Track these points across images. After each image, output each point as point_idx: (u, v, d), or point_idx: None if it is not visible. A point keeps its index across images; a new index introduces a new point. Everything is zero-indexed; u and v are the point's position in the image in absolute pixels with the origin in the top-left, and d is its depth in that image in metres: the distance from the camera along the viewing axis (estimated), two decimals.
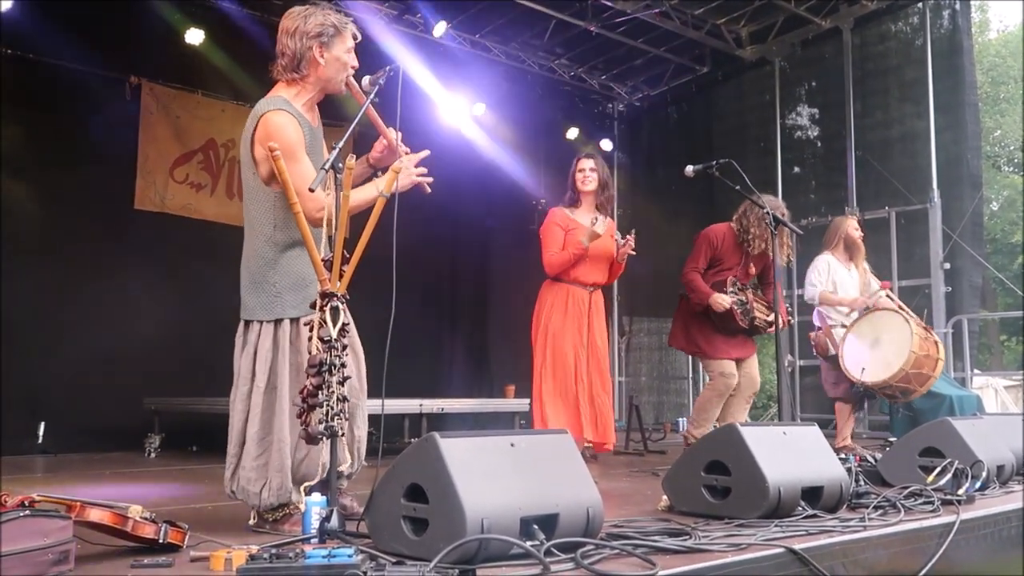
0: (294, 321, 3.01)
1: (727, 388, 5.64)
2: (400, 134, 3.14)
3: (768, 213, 5.02)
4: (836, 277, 6.26)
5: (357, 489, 3.24)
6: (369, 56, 3.30)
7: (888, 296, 6.38)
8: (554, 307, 5.42)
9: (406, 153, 3.12)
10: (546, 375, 5.37)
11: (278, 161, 2.76)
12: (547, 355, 5.39)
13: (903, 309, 6.05)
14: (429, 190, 3.11)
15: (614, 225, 5.68)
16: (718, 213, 5.95)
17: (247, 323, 3.07)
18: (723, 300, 5.49)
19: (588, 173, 5.53)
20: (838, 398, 6.23)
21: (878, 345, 5.80)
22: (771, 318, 5.56)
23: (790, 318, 5.85)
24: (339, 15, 3.16)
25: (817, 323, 6.38)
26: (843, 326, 6.15)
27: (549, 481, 2.50)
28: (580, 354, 5.38)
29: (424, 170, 3.03)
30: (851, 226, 6.40)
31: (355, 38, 3.19)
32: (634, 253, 5.38)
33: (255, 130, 3.05)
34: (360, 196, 2.97)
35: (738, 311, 5.48)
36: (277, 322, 3.01)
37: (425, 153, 3.14)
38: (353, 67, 3.15)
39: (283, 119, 3.00)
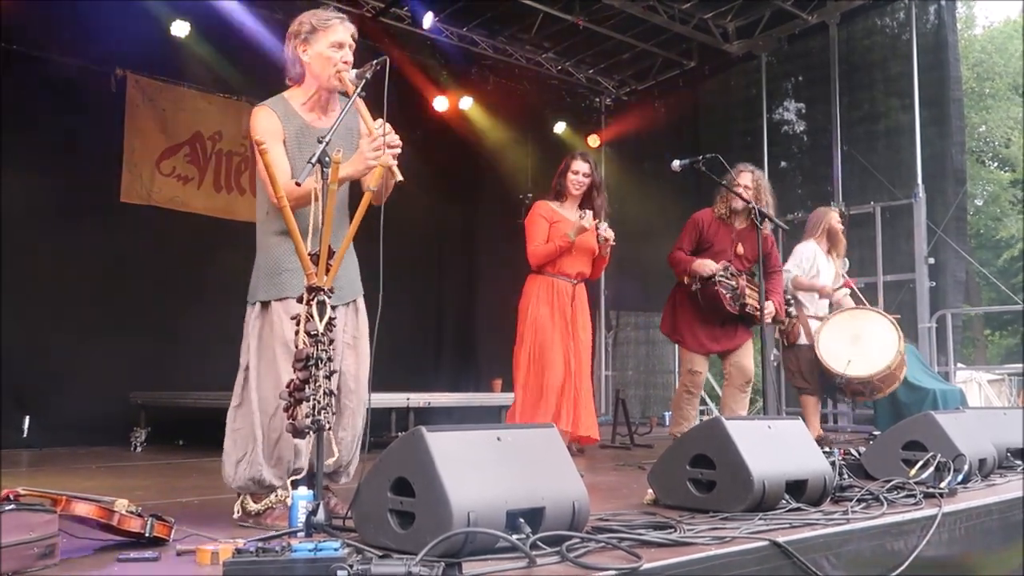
0: (265, 305, 3.11)
1: (694, 385, 5.67)
2: (387, 125, 3.11)
3: (755, 209, 5.05)
4: (819, 265, 6.31)
5: (344, 484, 3.25)
6: (356, 49, 3.29)
7: (855, 293, 6.44)
8: (540, 300, 5.39)
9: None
10: (532, 367, 5.33)
11: (265, 156, 2.78)
12: (533, 347, 5.35)
13: (879, 311, 6.15)
14: (400, 176, 2.99)
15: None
16: (705, 207, 5.94)
17: (250, 307, 3.20)
18: (707, 264, 5.43)
19: (582, 178, 5.44)
20: (802, 388, 6.26)
21: (859, 341, 5.86)
22: (766, 306, 5.52)
23: (789, 308, 5.82)
24: (325, 13, 3.22)
25: (794, 312, 6.42)
26: (815, 317, 6.21)
27: (535, 475, 2.51)
28: (568, 347, 5.37)
29: (380, 154, 2.94)
30: (834, 218, 6.45)
31: (347, 31, 3.20)
32: (613, 243, 5.35)
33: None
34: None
35: (726, 295, 5.42)
36: (261, 304, 3.12)
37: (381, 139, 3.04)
38: (345, 62, 3.16)
39: (259, 113, 3.17)
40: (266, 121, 3.13)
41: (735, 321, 5.60)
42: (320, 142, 2.83)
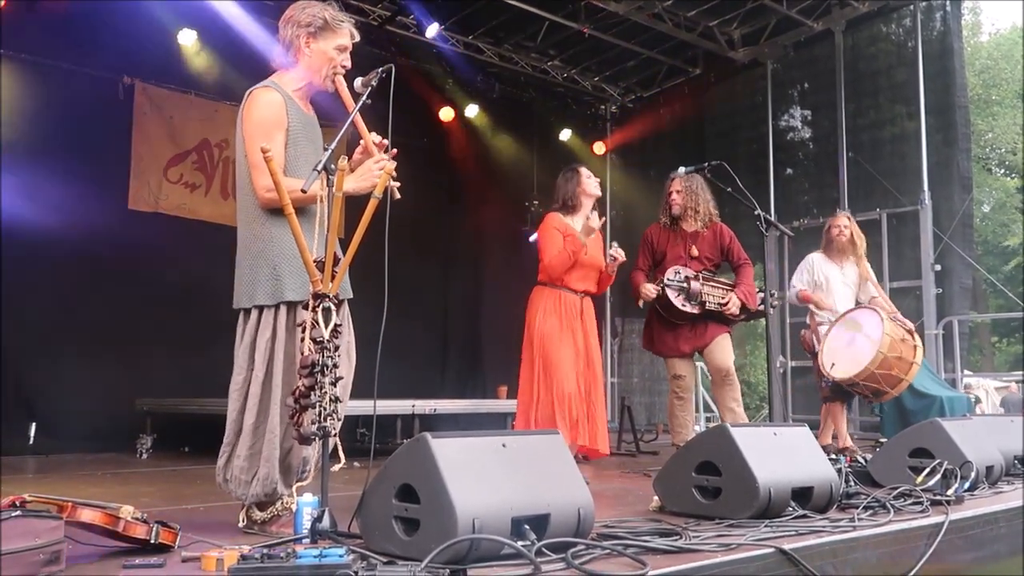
0: (292, 307, 2.99)
1: (681, 389, 5.65)
2: (382, 139, 3.11)
3: (761, 216, 5.03)
4: (823, 274, 6.27)
5: (349, 489, 3.25)
6: (362, 58, 3.30)
7: (882, 296, 6.37)
8: (547, 311, 5.34)
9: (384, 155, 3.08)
10: (542, 380, 5.25)
11: (270, 163, 2.75)
12: (542, 360, 5.28)
13: (888, 311, 6.03)
14: (399, 195, 3.03)
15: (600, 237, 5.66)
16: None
17: (247, 312, 3.06)
18: (647, 289, 5.51)
19: (595, 179, 5.58)
20: (824, 397, 6.27)
21: (853, 343, 5.80)
22: (725, 300, 5.51)
23: (771, 300, 5.76)
24: (337, 12, 3.19)
25: (808, 321, 6.43)
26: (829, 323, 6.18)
27: (540, 481, 2.51)
28: (579, 359, 5.34)
29: (386, 172, 2.93)
30: (832, 224, 6.40)
31: (352, 37, 3.20)
32: (622, 260, 5.39)
33: (244, 108, 3.11)
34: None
35: (677, 296, 5.44)
36: (277, 307, 3.00)
37: (384, 155, 3.04)
38: (343, 66, 3.16)
39: (269, 96, 3.06)
40: (274, 109, 3.03)
41: (704, 321, 5.59)
42: (325, 149, 2.83)
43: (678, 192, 5.69)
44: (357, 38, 3.23)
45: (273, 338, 2.99)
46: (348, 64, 3.18)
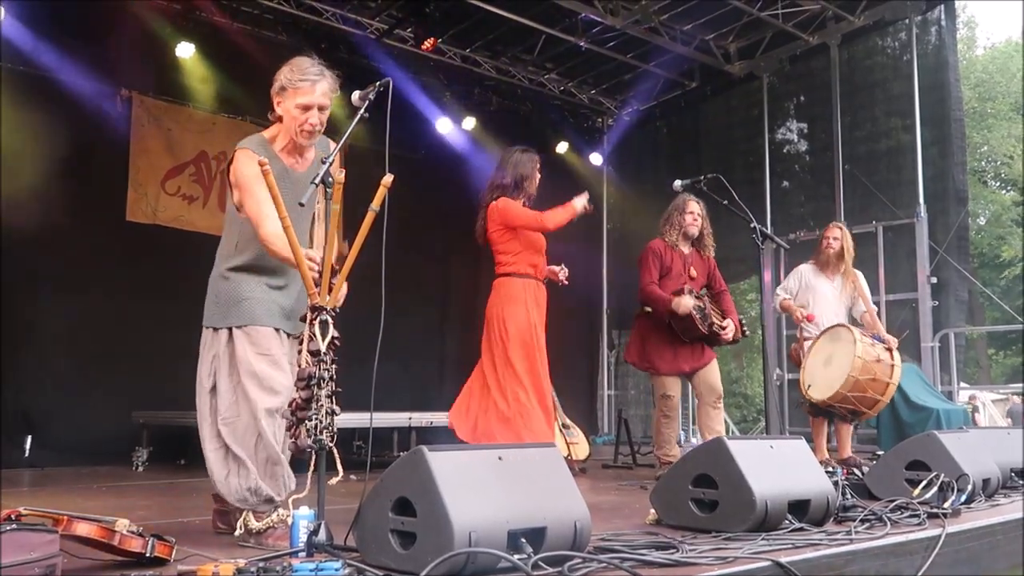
0: (230, 331, 3.14)
1: (670, 409, 5.72)
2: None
3: (757, 229, 5.05)
4: (812, 286, 6.27)
5: (346, 502, 3.24)
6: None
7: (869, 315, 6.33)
8: (528, 304, 5.25)
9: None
10: (530, 375, 5.14)
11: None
12: (530, 353, 5.17)
13: (870, 327, 6.01)
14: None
15: None
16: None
17: (204, 329, 3.25)
18: (686, 301, 5.53)
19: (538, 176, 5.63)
20: (807, 412, 6.27)
21: (829, 363, 5.80)
22: (725, 323, 5.63)
23: (745, 328, 5.82)
24: (301, 70, 3.14)
25: (798, 335, 6.43)
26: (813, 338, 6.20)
27: (537, 494, 2.51)
28: (541, 348, 5.25)
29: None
30: (823, 235, 6.39)
31: (319, 94, 3.13)
32: (566, 283, 5.45)
33: (230, 161, 3.27)
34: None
35: (697, 316, 5.51)
36: (215, 329, 3.18)
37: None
38: (311, 124, 3.14)
39: (242, 156, 3.18)
40: (251, 166, 3.07)
41: (699, 342, 5.67)
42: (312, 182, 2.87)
43: (701, 216, 5.81)
44: (326, 89, 3.16)
45: (217, 356, 3.16)
46: (315, 121, 3.15)
